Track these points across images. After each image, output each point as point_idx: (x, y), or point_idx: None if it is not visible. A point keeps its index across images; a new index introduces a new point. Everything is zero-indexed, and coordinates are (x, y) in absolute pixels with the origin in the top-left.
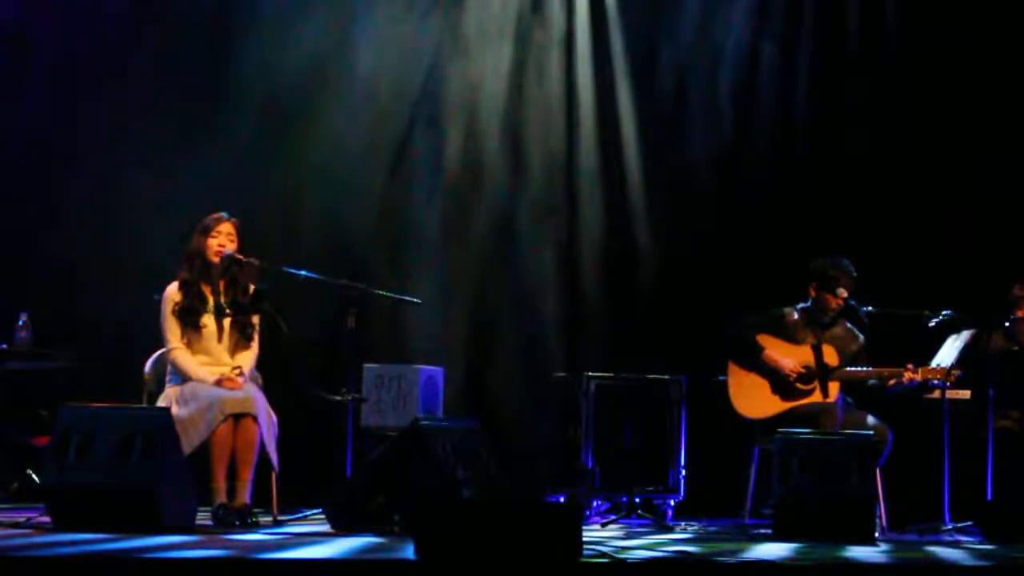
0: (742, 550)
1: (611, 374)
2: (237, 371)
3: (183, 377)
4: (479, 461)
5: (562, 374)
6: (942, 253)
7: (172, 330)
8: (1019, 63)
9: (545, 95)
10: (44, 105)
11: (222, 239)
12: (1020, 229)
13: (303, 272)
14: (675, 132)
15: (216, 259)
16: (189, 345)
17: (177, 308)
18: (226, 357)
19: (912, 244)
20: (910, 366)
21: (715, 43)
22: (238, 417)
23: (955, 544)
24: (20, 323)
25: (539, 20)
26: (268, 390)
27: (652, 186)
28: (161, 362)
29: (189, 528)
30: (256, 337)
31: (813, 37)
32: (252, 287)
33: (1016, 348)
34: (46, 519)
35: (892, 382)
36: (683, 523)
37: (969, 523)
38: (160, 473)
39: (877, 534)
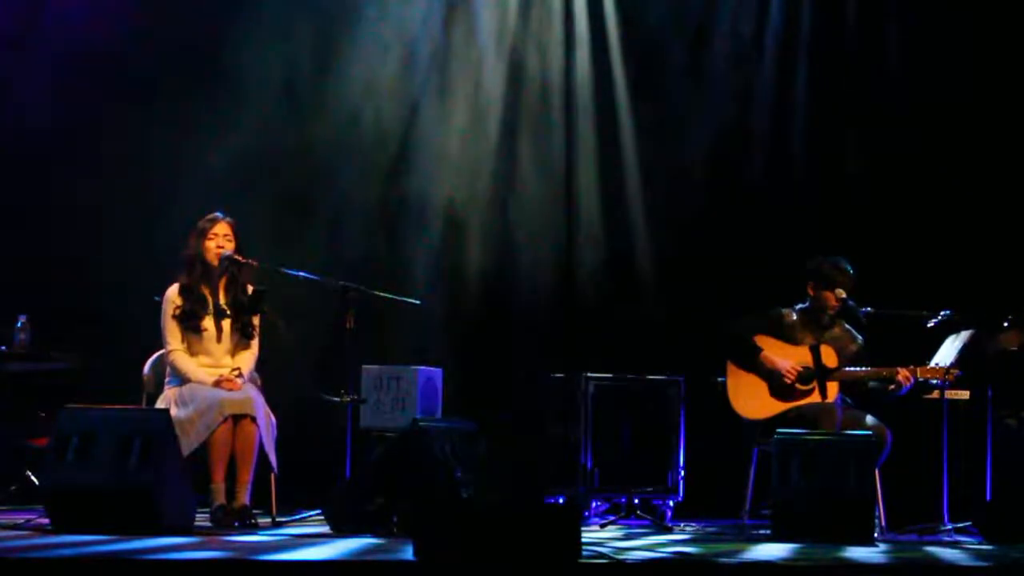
0: (741, 551)
1: (610, 375)
2: (236, 372)
3: (182, 378)
4: (478, 462)
5: (561, 375)
6: (942, 253)
7: (172, 333)
8: (1018, 65)
9: (544, 95)
10: (42, 106)
11: (219, 240)
12: (1021, 229)
13: (301, 273)
14: (674, 131)
15: (215, 261)
16: (189, 347)
17: (178, 312)
18: (226, 358)
19: (912, 244)
20: (911, 367)
21: (715, 42)
22: (237, 418)
23: (954, 544)
24: (19, 324)
25: (538, 16)
26: (267, 391)
27: (651, 186)
28: (160, 363)
29: (188, 529)
30: (256, 338)
31: (812, 35)
32: (251, 288)
33: (1015, 348)
34: (45, 521)
35: (891, 387)
36: (682, 524)
37: (968, 523)
38: (159, 475)
39: (876, 534)
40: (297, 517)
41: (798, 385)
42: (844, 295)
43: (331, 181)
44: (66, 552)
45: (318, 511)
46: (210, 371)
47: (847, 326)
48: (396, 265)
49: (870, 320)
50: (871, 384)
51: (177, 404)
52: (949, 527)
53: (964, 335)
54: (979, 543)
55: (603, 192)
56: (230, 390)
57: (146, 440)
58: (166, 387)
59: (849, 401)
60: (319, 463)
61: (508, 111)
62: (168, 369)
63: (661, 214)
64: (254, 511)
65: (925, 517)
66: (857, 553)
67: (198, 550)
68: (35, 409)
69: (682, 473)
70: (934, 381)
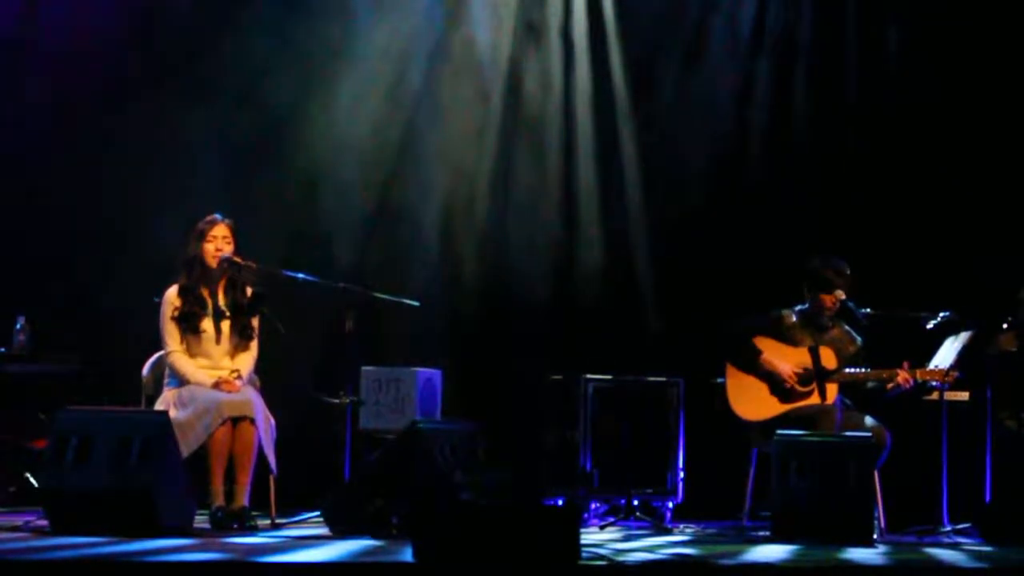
0: (740, 552)
1: (609, 376)
2: (235, 374)
3: (181, 380)
4: (477, 464)
5: (560, 376)
6: (942, 253)
7: (171, 334)
8: (1019, 65)
9: (543, 96)
10: (42, 107)
11: (219, 242)
12: (1020, 230)
13: (301, 275)
14: (673, 133)
15: (215, 263)
16: (188, 349)
17: (177, 313)
18: (225, 360)
19: (912, 244)
20: (906, 364)
21: (714, 41)
22: (236, 420)
23: (953, 546)
24: (18, 326)
25: (537, 17)
26: (266, 393)
27: (651, 187)
28: (159, 365)
29: (187, 531)
30: (255, 339)
31: (812, 35)
32: (250, 289)
33: (1015, 350)
34: (44, 522)
35: (891, 386)
36: (681, 525)
37: (967, 525)
38: (158, 476)
39: (875, 536)
40: (296, 519)
41: (797, 387)
42: (843, 296)
43: (331, 181)
44: (65, 554)
45: (317, 513)
46: (209, 373)
47: (846, 327)
48: (395, 267)
49: (870, 321)
50: (869, 384)
51: (176, 406)
52: (948, 528)
53: (963, 336)
54: (978, 544)
55: (602, 193)
56: (229, 392)
57: (145, 441)
58: (165, 389)
59: (848, 402)
60: (318, 465)
61: (507, 111)
62: (167, 371)
63: (661, 215)
64: (253, 513)
65: (924, 518)
66: (856, 554)
67: (197, 552)
68: (34, 410)
69: (681, 475)
70: (933, 383)
